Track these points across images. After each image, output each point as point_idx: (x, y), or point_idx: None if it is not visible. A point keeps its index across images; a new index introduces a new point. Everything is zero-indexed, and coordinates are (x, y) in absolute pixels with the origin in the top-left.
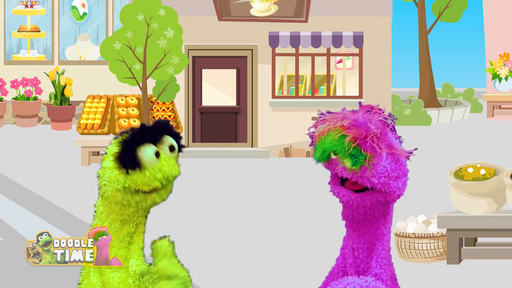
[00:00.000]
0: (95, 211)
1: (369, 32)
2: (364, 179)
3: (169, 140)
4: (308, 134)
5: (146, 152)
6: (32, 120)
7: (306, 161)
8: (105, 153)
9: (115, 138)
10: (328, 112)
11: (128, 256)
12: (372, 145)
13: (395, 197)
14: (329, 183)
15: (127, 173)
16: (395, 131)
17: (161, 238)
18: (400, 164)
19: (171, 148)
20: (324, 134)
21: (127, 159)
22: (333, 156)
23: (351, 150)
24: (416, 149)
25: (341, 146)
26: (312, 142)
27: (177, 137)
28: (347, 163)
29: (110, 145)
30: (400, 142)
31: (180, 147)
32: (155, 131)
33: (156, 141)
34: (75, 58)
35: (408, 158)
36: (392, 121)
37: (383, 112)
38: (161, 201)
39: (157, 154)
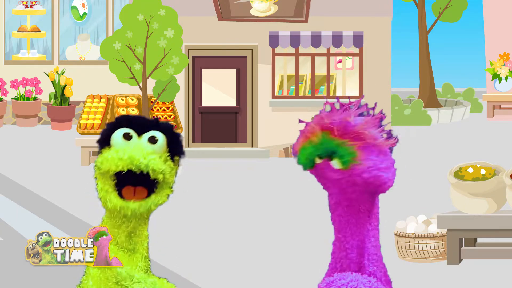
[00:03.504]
0: None
1: (369, 32)
2: (355, 176)
3: (153, 132)
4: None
5: (116, 132)
6: (32, 120)
7: None
8: None
9: None
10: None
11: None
12: (356, 143)
13: (386, 188)
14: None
15: (100, 151)
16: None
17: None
18: (387, 154)
19: (151, 140)
20: (305, 141)
21: (100, 137)
22: (318, 161)
23: (337, 151)
24: (397, 137)
25: (324, 150)
26: (293, 151)
27: (175, 140)
28: (335, 164)
29: None
30: (384, 130)
31: (176, 148)
32: (142, 122)
33: (138, 129)
34: (75, 58)
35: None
36: (368, 111)
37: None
38: (121, 207)
39: (128, 137)
